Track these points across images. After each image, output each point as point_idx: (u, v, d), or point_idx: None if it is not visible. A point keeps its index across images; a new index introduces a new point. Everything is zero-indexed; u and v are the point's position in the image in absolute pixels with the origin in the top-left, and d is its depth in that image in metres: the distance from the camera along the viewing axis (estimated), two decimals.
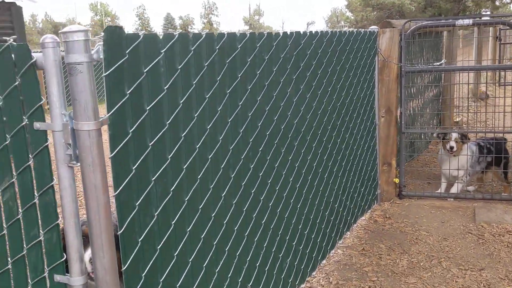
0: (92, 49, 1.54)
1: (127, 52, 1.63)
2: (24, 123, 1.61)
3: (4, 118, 1.66)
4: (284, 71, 2.78)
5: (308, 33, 3.02)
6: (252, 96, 2.46)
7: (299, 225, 3.11)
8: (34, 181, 1.65)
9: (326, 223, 3.56)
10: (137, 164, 1.71)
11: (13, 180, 1.68)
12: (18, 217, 1.70)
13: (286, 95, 2.81)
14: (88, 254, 1.66)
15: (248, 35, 2.38)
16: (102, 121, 1.56)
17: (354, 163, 4.06)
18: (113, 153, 1.61)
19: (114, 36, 1.58)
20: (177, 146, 1.93)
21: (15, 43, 1.57)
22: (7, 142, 1.66)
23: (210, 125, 2.14)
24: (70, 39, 1.48)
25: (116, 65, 1.59)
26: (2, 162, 1.70)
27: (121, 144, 1.64)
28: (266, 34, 2.54)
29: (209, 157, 2.16)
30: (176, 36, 1.87)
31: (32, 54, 1.54)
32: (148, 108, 1.76)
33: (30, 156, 1.62)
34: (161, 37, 1.81)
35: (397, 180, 4.87)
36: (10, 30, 6.99)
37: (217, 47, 2.15)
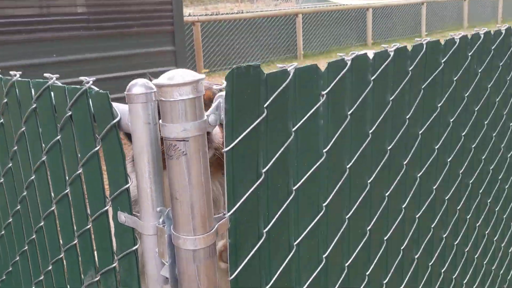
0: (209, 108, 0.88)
1: (265, 106, 0.95)
2: (106, 209, 1.05)
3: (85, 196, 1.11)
4: None
5: None
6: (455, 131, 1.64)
7: None
8: None
9: None
10: (270, 284, 1.05)
11: (95, 279, 1.15)
12: None
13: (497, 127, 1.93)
14: None
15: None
16: (217, 230, 0.91)
17: None
18: (234, 274, 0.97)
19: (244, 83, 0.90)
20: (334, 243, 1.22)
21: (94, 88, 0.98)
22: (88, 227, 1.12)
23: (389, 192, 1.39)
24: (168, 98, 0.83)
25: (247, 131, 0.92)
26: (84, 252, 1.18)
27: (249, 256, 0.99)
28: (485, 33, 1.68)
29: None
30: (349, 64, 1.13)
31: (114, 109, 0.94)
32: (296, 187, 1.07)
33: (114, 256, 1.06)
34: (321, 70, 1.09)
35: None
36: (169, 13, 6.58)
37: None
